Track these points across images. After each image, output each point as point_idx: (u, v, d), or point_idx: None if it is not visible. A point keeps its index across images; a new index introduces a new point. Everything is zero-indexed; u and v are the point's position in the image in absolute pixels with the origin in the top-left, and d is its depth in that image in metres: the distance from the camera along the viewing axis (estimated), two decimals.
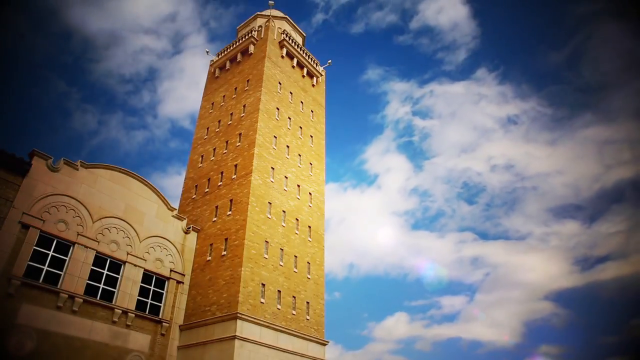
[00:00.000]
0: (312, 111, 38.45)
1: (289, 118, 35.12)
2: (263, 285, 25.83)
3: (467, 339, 78.70)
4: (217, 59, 40.92)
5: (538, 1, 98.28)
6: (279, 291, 26.74)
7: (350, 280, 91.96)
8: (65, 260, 22.36)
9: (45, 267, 21.57)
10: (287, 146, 33.39)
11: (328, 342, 28.14)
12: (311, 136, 36.72)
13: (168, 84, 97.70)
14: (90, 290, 22.83)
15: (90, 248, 23.27)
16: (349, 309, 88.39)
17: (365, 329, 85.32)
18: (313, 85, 40.45)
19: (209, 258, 27.52)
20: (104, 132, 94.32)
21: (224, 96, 37.21)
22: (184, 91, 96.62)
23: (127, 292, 24.17)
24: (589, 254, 79.80)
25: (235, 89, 36.44)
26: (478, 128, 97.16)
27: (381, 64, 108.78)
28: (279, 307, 26.20)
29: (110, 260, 24.17)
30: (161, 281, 26.42)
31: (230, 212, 28.29)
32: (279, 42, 38.23)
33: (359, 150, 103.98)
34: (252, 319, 23.88)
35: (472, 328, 78.88)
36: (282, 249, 28.31)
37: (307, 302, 28.43)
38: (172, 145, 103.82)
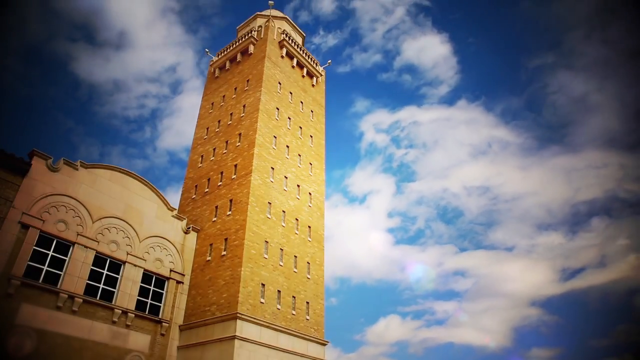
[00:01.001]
0: (312, 111, 38.45)
1: (289, 118, 35.12)
2: (263, 285, 25.83)
3: (459, 343, 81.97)
4: (216, 59, 40.90)
5: (498, 52, 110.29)
6: (279, 291, 26.73)
7: (341, 293, 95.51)
8: (65, 260, 22.35)
9: (45, 267, 21.55)
10: (287, 146, 33.38)
11: (328, 342, 28.13)
12: (311, 136, 36.72)
13: (167, 121, 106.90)
14: (90, 291, 22.82)
15: (90, 248, 23.26)
16: (345, 315, 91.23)
17: (361, 333, 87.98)
18: (313, 86, 40.45)
19: (208, 258, 27.52)
20: (106, 161, 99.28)
21: (223, 96, 37.20)
22: (181, 127, 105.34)
23: (127, 292, 24.15)
24: (571, 264, 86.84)
25: (235, 89, 36.44)
26: (455, 154, 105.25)
27: (368, 97, 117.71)
28: (278, 307, 26.19)
29: (110, 260, 24.16)
30: (161, 281, 26.41)
31: (230, 212, 28.29)
32: (279, 42, 38.23)
33: (345, 174, 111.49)
34: (252, 319, 23.87)
35: (464, 333, 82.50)
36: (282, 249, 28.30)
37: (307, 302, 28.42)
38: (171, 173, 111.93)
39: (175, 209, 28.79)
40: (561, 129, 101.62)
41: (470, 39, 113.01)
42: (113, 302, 23.41)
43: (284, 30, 39.73)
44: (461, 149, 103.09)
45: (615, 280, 77.91)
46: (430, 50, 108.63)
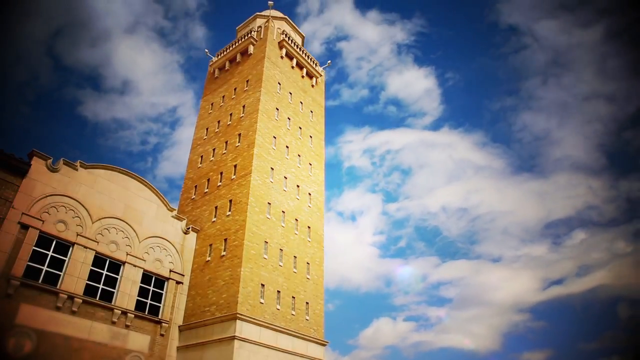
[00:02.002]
0: (311, 112, 38.47)
1: (289, 118, 35.14)
2: (262, 285, 25.83)
3: (449, 347, 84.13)
4: (216, 59, 40.91)
5: (468, 90, 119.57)
6: (279, 291, 26.73)
7: (337, 298, 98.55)
8: (65, 260, 22.35)
9: (45, 268, 21.55)
10: (287, 146, 33.40)
11: (328, 342, 28.14)
12: (310, 136, 36.73)
13: (167, 152, 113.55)
14: (90, 291, 22.81)
15: (89, 248, 23.25)
16: (340, 320, 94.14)
17: (354, 337, 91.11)
18: (312, 86, 40.48)
19: (208, 258, 27.52)
20: None
21: (223, 97, 37.21)
22: (180, 157, 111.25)
23: (127, 292, 24.15)
24: (552, 275, 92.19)
25: (235, 89, 36.45)
26: (435, 177, 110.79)
27: (356, 125, 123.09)
28: (278, 307, 26.19)
29: (109, 261, 24.15)
30: (160, 281, 26.41)
31: (229, 213, 28.29)
32: (279, 43, 38.25)
33: (333, 195, 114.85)
34: (251, 320, 23.88)
35: (454, 338, 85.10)
36: (281, 249, 28.31)
37: (307, 303, 28.43)
38: (169, 197, 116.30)
39: (175, 210, 28.79)
40: (530, 159, 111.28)
41: (448, 74, 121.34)
42: (113, 303, 23.40)
43: (283, 30, 39.74)
44: (441, 172, 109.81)
45: (594, 289, 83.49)
46: (414, 84, 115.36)
